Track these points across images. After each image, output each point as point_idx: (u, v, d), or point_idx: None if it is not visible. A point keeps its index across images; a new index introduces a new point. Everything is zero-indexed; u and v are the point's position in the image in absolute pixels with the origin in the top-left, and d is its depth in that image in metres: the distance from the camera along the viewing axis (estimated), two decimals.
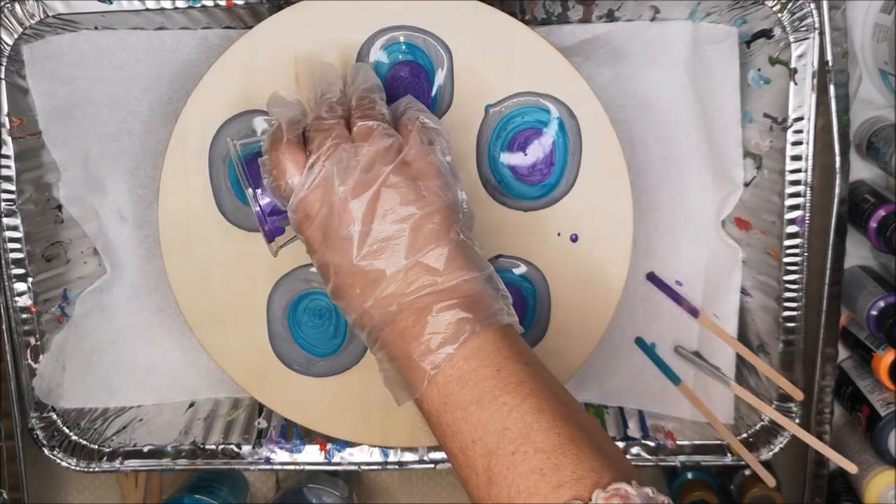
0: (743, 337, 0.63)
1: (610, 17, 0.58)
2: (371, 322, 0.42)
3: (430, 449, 0.61)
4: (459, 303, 0.40)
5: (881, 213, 0.60)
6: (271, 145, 0.43)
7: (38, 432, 0.62)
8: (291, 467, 0.62)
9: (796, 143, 0.56)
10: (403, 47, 0.53)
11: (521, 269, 0.56)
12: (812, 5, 0.54)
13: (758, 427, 0.62)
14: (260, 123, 0.54)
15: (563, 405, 0.39)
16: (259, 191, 0.46)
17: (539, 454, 0.37)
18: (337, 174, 0.41)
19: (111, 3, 0.55)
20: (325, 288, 0.44)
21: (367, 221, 0.41)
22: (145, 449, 0.62)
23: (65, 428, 0.62)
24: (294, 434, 0.62)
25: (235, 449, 0.62)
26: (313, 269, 0.56)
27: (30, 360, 0.60)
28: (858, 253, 0.66)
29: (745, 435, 0.62)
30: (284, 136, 0.43)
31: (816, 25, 0.55)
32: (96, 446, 0.62)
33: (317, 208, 0.42)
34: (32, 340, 0.60)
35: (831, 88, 0.57)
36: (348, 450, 0.62)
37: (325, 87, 0.46)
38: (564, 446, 0.37)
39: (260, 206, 0.46)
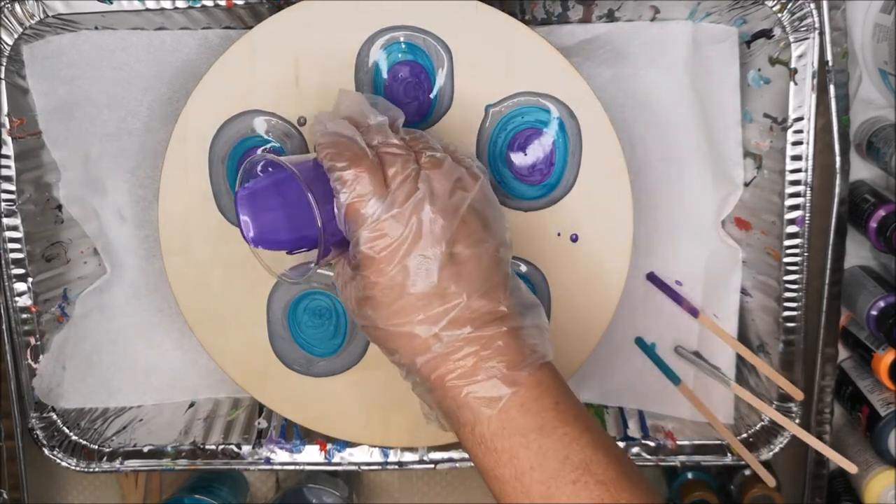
0: (743, 337, 0.63)
1: (610, 17, 0.58)
2: (427, 351, 0.42)
3: (430, 449, 0.61)
4: (522, 344, 0.42)
5: (881, 213, 0.60)
6: (352, 160, 0.42)
7: (38, 432, 0.62)
8: (291, 467, 0.62)
9: (796, 143, 0.56)
10: (403, 47, 0.53)
11: (521, 269, 0.56)
12: (812, 5, 0.54)
13: (758, 427, 0.62)
14: (260, 124, 0.54)
15: (612, 442, 0.43)
16: (312, 197, 0.43)
17: (599, 486, 0.40)
18: (428, 198, 0.42)
19: (111, 3, 0.55)
20: (372, 314, 0.43)
21: (451, 245, 0.42)
22: (145, 449, 0.62)
23: (65, 428, 0.62)
24: (294, 434, 0.62)
25: (235, 449, 0.62)
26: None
27: (30, 360, 0.60)
28: (858, 253, 0.66)
29: (745, 435, 0.62)
30: (369, 154, 0.43)
31: (816, 25, 0.55)
32: (96, 446, 0.62)
33: (400, 229, 0.42)
34: (32, 340, 0.60)
35: (831, 88, 0.57)
36: (348, 450, 0.62)
37: (367, 115, 0.46)
38: (621, 480, 0.40)
39: (323, 223, 0.43)
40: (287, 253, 0.48)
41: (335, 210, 0.43)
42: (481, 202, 0.44)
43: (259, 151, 0.47)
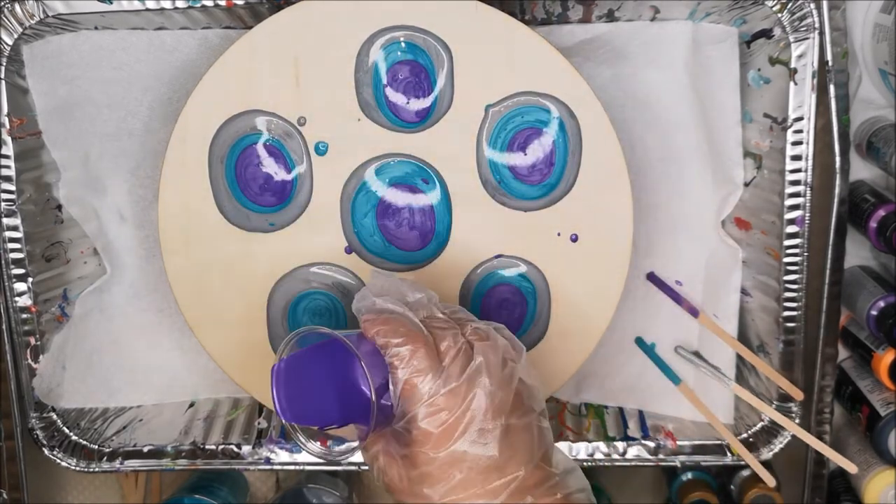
0: (743, 337, 0.63)
1: (610, 17, 0.58)
2: None
3: None
4: (576, 491, 0.44)
5: (881, 213, 0.60)
6: (410, 337, 0.43)
7: (38, 432, 0.62)
8: (291, 467, 0.62)
9: (796, 143, 0.56)
10: (403, 46, 0.54)
11: (521, 269, 0.56)
12: (812, 5, 0.54)
13: (758, 427, 0.62)
14: (260, 123, 0.54)
15: None
16: (365, 367, 0.42)
17: None
18: (486, 370, 0.42)
19: (111, 3, 0.55)
20: (429, 489, 0.42)
21: (508, 416, 0.43)
22: (145, 449, 0.62)
23: (65, 428, 0.62)
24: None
25: (235, 449, 0.62)
26: (314, 269, 0.56)
27: (30, 360, 0.60)
28: (858, 253, 0.66)
29: (745, 435, 0.62)
30: (424, 330, 0.44)
31: (816, 25, 0.55)
32: (96, 446, 0.62)
33: (458, 403, 0.42)
34: (32, 340, 0.60)
35: (831, 88, 0.57)
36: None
37: (405, 292, 0.46)
38: None
39: (377, 398, 0.42)
40: (319, 429, 0.46)
41: (390, 386, 0.43)
42: (527, 373, 0.45)
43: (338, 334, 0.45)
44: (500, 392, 0.42)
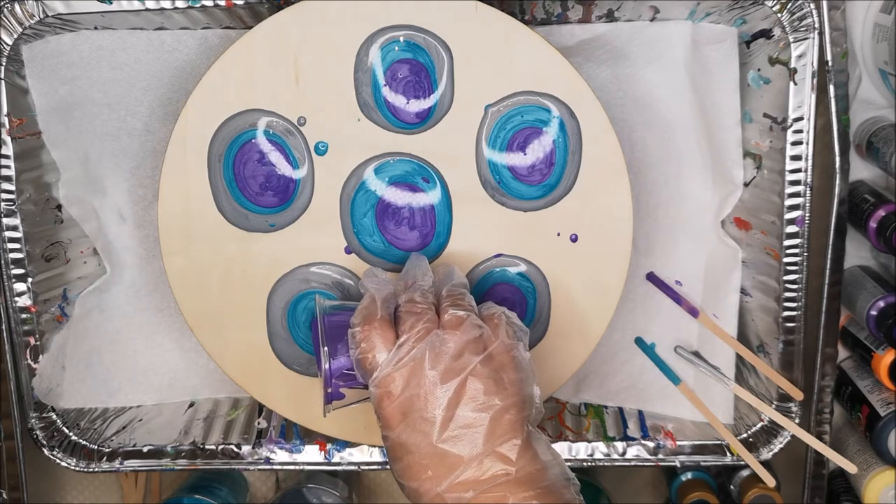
0: (743, 337, 0.63)
1: (609, 17, 0.58)
2: None
3: None
4: (534, 494, 0.41)
5: (881, 213, 0.60)
6: (364, 319, 0.45)
7: (38, 432, 0.62)
8: (291, 467, 0.62)
9: (796, 143, 0.56)
10: (403, 45, 0.53)
11: (521, 268, 0.56)
12: (812, 5, 0.54)
13: (758, 427, 0.62)
14: (261, 122, 0.54)
15: None
16: (326, 350, 0.47)
17: None
18: (428, 358, 0.43)
19: (111, 3, 0.55)
20: (391, 466, 0.44)
21: (452, 407, 0.42)
22: (145, 449, 0.62)
23: (64, 428, 0.62)
24: (294, 434, 0.62)
25: (235, 449, 0.62)
26: (313, 269, 0.56)
27: (29, 361, 0.60)
28: (858, 253, 0.66)
29: (745, 435, 0.62)
30: (378, 313, 0.45)
31: (816, 25, 0.55)
32: (96, 446, 0.62)
33: (401, 387, 0.43)
34: (32, 340, 0.60)
35: (831, 88, 0.57)
36: (348, 450, 0.62)
37: (417, 275, 0.48)
38: None
39: (329, 366, 0.47)
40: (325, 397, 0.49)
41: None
42: (493, 365, 0.44)
43: (316, 296, 0.52)
44: (440, 382, 0.42)
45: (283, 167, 0.55)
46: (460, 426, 0.42)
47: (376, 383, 0.43)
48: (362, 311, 0.45)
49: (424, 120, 0.54)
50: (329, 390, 0.48)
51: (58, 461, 0.62)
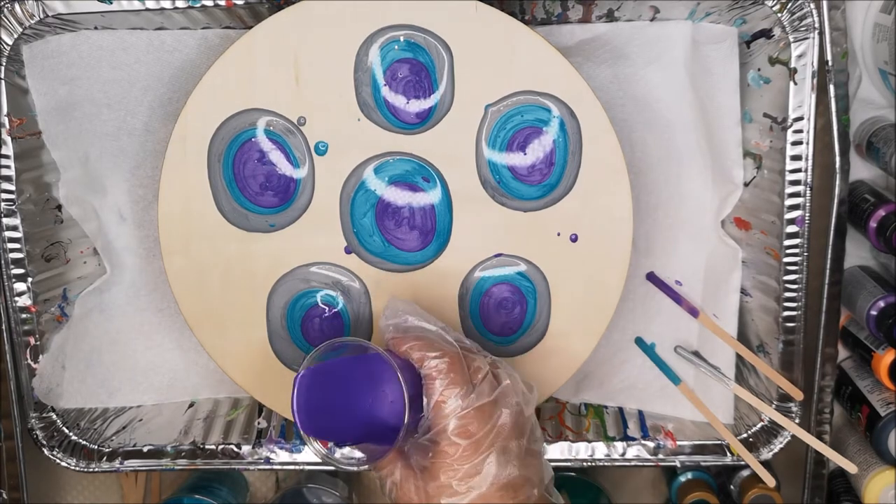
0: (743, 337, 0.63)
1: (610, 17, 0.58)
2: None
3: None
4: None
5: (881, 213, 0.60)
6: (447, 353, 0.45)
7: (38, 432, 0.62)
8: (291, 467, 0.62)
9: (796, 143, 0.56)
10: (403, 44, 0.53)
11: (520, 268, 0.56)
12: (812, 5, 0.54)
13: (758, 427, 0.62)
14: (261, 121, 0.54)
15: None
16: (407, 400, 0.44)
17: None
18: (513, 392, 0.46)
19: (111, 3, 0.55)
20: (446, 501, 0.44)
21: (528, 439, 0.46)
22: (145, 449, 0.62)
23: (64, 428, 0.62)
24: (294, 434, 0.62)
25: (235, 449, 0.62)
26: (313, 269, 0.56)
27: (29, 360, 0.60)
28: (858, 253, 0.66)
29: (745, 435, 0.62)
30: (458, 349, 0.46)
31: (816, 25, 0.55)
32: (96, 446, 0.62)
33: (486, 422, 0.44)
34: (32, 340, 0.60)
35: (831, 88, 0.57)
36: (348, 450, 0.61)
37: (426, 319, 0.49)
38: None
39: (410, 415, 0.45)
40: (336, 444, 0.47)
41: (424, 399, 0.45)
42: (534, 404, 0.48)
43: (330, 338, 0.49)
44: (522, 416, 0.45)
45: (284, 166, 0.55)
46: (530, 456, 0.46)
47: (462, 416, 0.44)
48: (436, 344, 0.46)
49: (425, 120, 0.54)
50: (405, 434, 0.45)
51: (58, 461, 0.62)
